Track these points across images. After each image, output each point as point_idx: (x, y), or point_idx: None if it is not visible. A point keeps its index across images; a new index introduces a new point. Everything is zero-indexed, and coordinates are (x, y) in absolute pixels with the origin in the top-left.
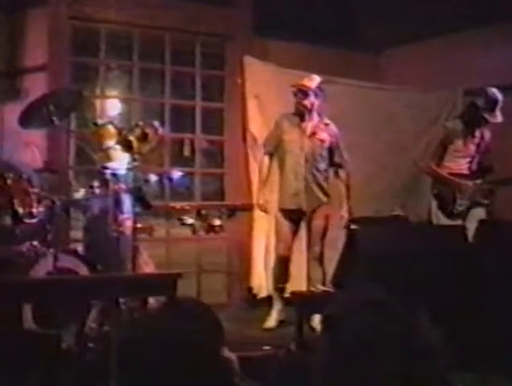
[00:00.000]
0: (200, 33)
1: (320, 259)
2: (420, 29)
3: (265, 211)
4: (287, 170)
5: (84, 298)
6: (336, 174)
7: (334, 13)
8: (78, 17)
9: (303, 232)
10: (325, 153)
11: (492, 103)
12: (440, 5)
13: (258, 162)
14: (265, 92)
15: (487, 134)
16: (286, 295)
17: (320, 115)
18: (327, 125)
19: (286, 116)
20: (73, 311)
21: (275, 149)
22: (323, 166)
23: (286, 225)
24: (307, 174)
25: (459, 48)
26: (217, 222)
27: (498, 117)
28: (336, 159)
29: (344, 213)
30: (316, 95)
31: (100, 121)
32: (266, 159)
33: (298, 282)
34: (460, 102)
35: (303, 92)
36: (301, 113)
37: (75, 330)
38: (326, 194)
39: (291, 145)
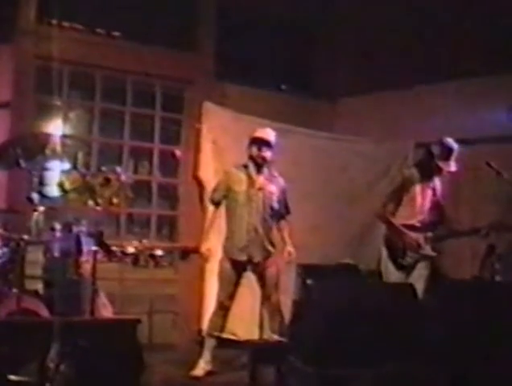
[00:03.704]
0: (161, 76)
1: (278, 308)
2: (376, 80)
3: (206, 260)
4: (237, 221)
5: (43, 339)
6: (277, 223)
7: (292, 60)
8: (43, 56)
9: (253, 280)
10: (275, 205)
11: (447, 151)
12: (397, 59)
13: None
14: (222, 138)
15: (438, 184)
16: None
17: (269, 167)
18: (275, 177)
19: (236, 167)
20: (33, 350)
21: (224, 199)
22: (272, 217)
23: (230, 274)
24: (257, 225)
25: (412, 102)
26: (159, 252)
27: (452, 167)
28: (281, 210)
29: (290, 248)
30: (272, 148)
31: (68, 186)
32: (212, 208)
33: (251, 329)
34: (411, 155)
35: (266, 144)
36: (257, 164)
37: (34, 367)
38: (273, 245)
39: (242, 196)
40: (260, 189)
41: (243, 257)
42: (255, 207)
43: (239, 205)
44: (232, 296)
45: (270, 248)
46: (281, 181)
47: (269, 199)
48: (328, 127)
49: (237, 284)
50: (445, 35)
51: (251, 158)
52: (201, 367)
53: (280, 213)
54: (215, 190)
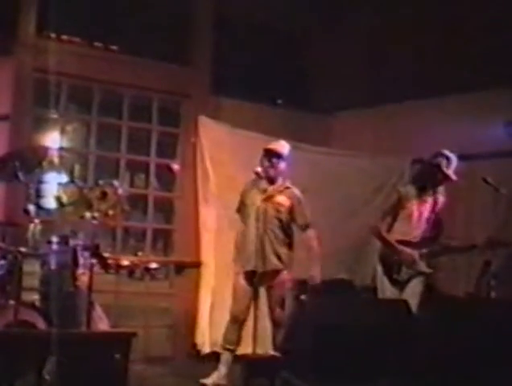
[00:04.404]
0: (158, 90)
1: (278, 325)
2: (372, 95)
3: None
4: (246, 232)
5: (40, 351)
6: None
7: (288, 75)
8: (42, 69)
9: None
10: (284, 217)
11: (449, 161)
12: (394, 74)
13: (208, 220)
14: (218, 152)
15: (440, 198)
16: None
17: (283, 179)
18: (287, 188)
19: (252, 181)
20: (29, 362)
21: (240, 213)
22: (280, 230)
23: (243, 287)
24: (262, 236)
25: (409, 116)
26: (153, 265)
27: (453, 176)
28: (299, 221)
29: (314, 272)
30: (284, 160)
31: (65, 199)
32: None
33: (246, 343)
34: (407, 170)
35: (275, 156)
36: (267, 177)
37: (31, 379)
38: (280, 259)
39: (249, 208)
40: (266, 199)
41: (249, 268)
42: (261, 219)
43: (248, 217)
44: (244, 310)
45: (275, 262)
46: (296, 191)
47: (276, 210)
48: (324, 142)
49: (249, 298)
50: (442, 50)
51: (263, 169)
52: (212, 378)
53: (299, 224)
54: (238, 203)
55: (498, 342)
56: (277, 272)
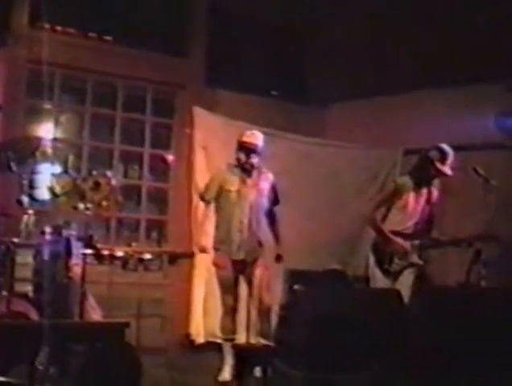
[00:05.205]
0: (152, 81)
1: (268, 313)
2: (366, 87)
3: (205, 251)
4: (230, 220)
5: (33, 342)
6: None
7: (283, 66)
8: (35, 60)
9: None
10: (265, 202)
11: (444, 155)
12: (387, 66)
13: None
14: (212, 142)
15: (435, 192)
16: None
17: (258, 169)
18: (264, 173)
19: (228, 166)
20: (22, 353)
21: (215, 199)
22: (263, 217)
23: (229, 276)
24: (250, 224)
25: (402, 108)
26: (147, 256)
27: (449, 170)
28: (271, 204)
29: (280, 251)
30: (260, 153)
31: (58, 190)
32: (202, 206)
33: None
34: (399, 161)
35: (252, 149)
36: (244, 170)
37: (23, 370)
38: (261, 244)
39: (234, 195)
40: (253, 188)
41: (241, 256)
42: (247, 206)
43: (231, 204)
44: (236, 297)
45: (258, 248)
46: (270, 176)
47: (261, 196)
48: (318, 133)
49: (237, 284)
50: (435, 44)
51: (239, 162)
52: (227, 371)
53: (270, 207)
54: (207, 188)
55: (489, 330)
56: (258, 257)
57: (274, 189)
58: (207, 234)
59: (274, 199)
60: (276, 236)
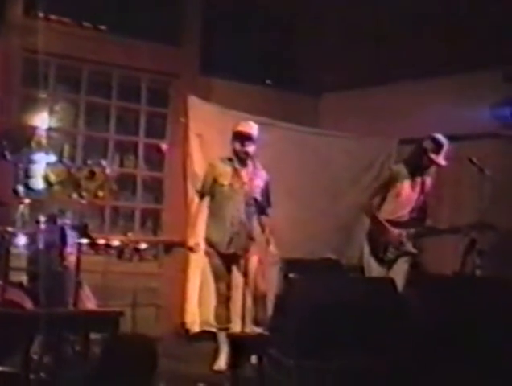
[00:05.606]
0: (146, 70)
1: (264, 300)
2: (360, 76)
3: (195, 251)
4: (223, 214)
5: (27, 331)
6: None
7: (277, 55)
8: (30, 49)
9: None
10: (259, 197)
11: (438, 146)
12: (381, 55)
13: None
14: (207, 131)
15: (428, 180)
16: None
17: (253, 160)
18: (259, 170)
19: (221, 159)
20: (17, 342)
21: (209, 192)
22: (254, 212)
23: (221, 265)
24: (242, 219)
25: (396, 98)
26: (143, 246)
27: (442, 161)
28: (263, 204)
29: (273, 249)
30: (255, 141)
31: (53, 179)
32: (197, 200)
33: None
34: (394, 151)
35: (247, 138)
36: (240, 159)
37: (18, 359)
38: (252, 238)
39: (227, 189)
40: (245, 183)
41: (231, 250)
42: (240, 201)
43: (224, 198)
44: (230, 285)
45: (248, 242)
46: (264, 174)
47: (253, 192)
48: (313, 122)
49: (229, 273)
50: (429, 32)
51: (235, 152)
52: (222, 360)
53: (262, 207)
54: (202, 182)
55: (483, 319)
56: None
57: (266, 189)
58: (198, 234)
59: (266, 201)
60: (261, 226)
